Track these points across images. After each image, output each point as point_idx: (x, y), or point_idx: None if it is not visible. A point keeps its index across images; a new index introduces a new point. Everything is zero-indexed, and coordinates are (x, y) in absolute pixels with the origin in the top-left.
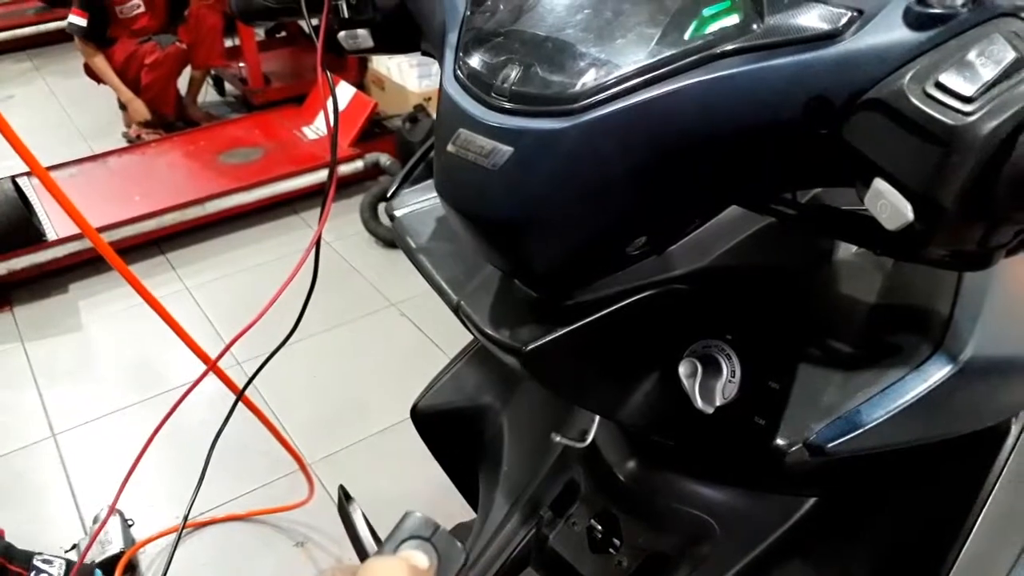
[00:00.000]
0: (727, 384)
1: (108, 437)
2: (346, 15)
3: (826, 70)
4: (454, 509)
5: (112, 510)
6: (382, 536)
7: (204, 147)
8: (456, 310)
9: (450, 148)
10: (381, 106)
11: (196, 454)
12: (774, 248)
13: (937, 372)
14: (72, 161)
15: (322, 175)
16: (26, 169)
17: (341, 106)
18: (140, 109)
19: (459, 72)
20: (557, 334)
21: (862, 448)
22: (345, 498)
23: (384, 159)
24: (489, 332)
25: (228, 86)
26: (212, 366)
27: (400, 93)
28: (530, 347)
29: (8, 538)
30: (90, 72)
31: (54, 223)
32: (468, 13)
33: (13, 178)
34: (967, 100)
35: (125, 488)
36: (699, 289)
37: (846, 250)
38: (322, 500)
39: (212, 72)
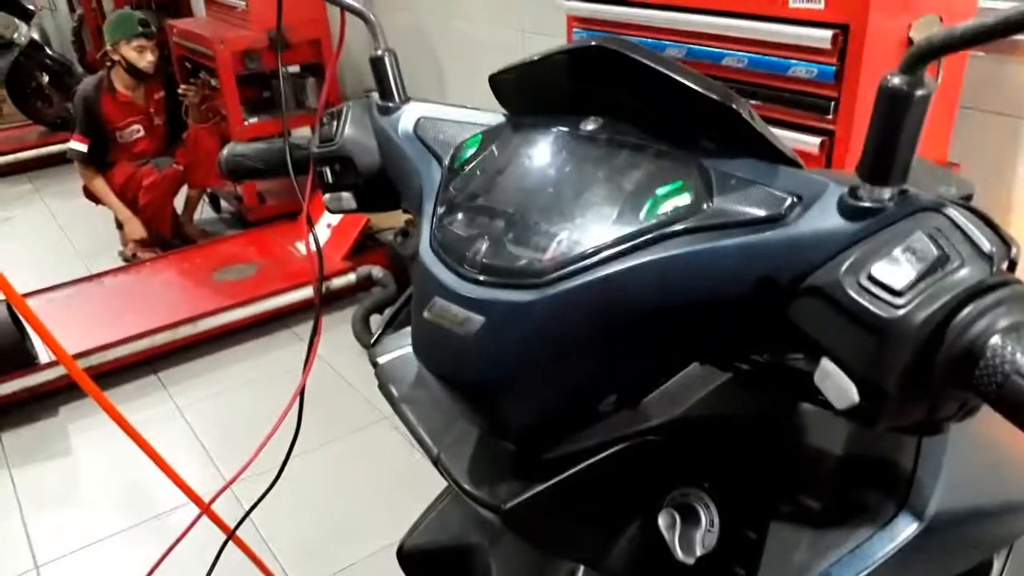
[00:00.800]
0: (706, 534)
1: (94, 569)
2: (330, 180)
3: (771, 253)
4: None
5: None
6: None
7: (199, 265)
8: (436, 463)
9: (426, 315)
10: (373, 220)
11: None
12: (742, 398)
13: (903, 530)
14: (68, 282)
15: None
16: (26, 290)
17: (334, 221)
18: (136, 228)
19: (434, 242)
20: (536, 490)
21: None
22: None
23: (376, 271)
24: (468, 488)
25: (223, 203)
26: (206, 509)
27: None
28: (508, 505)
29: None
30: (88, 194)
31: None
32: (442, 184)
33: (7, 302)
34: (897, 293)
35: None
36: (672, 439)
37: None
38: None
39: (208, 190)
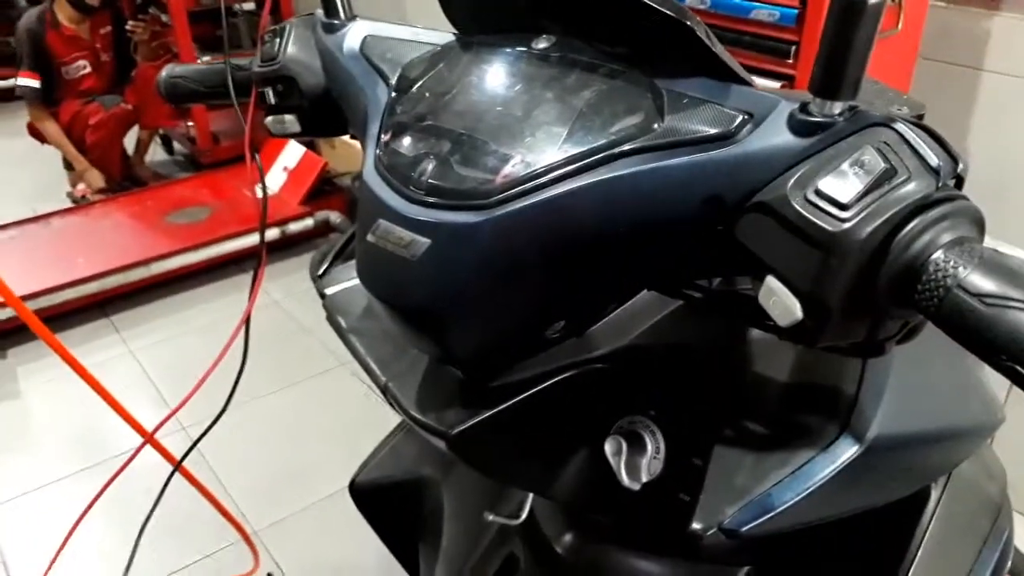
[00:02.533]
0: (652, 461)
1: (46, 510)
2: (273, 101)
3: (719, 171)
4: None
5: None
6: None
7: (151, 207)
8: (384, 391)
9: (370, 238)
10: (331, 164)
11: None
12: (691, 327)
13: (844, 452)
14: (13, 223)
15: (272, 233)
16: None
17: (291, 164)
18: (95, 177)
19: (379, 163)
20: (482, 416)
21: (775, 529)
22: None
23: (334, 217)
24: (416, 415)
25: (176, 145)
26: (149, 439)
27: (350, 152)
28: (456, 430)
29: None
30: (33, 131)
31: None
32: (388, 105)
33: None
34: (843, 207)
35: (63, 564)
36: (620, 367)
37: (760, 332)
38: (269, 570)
39: (160, 132)
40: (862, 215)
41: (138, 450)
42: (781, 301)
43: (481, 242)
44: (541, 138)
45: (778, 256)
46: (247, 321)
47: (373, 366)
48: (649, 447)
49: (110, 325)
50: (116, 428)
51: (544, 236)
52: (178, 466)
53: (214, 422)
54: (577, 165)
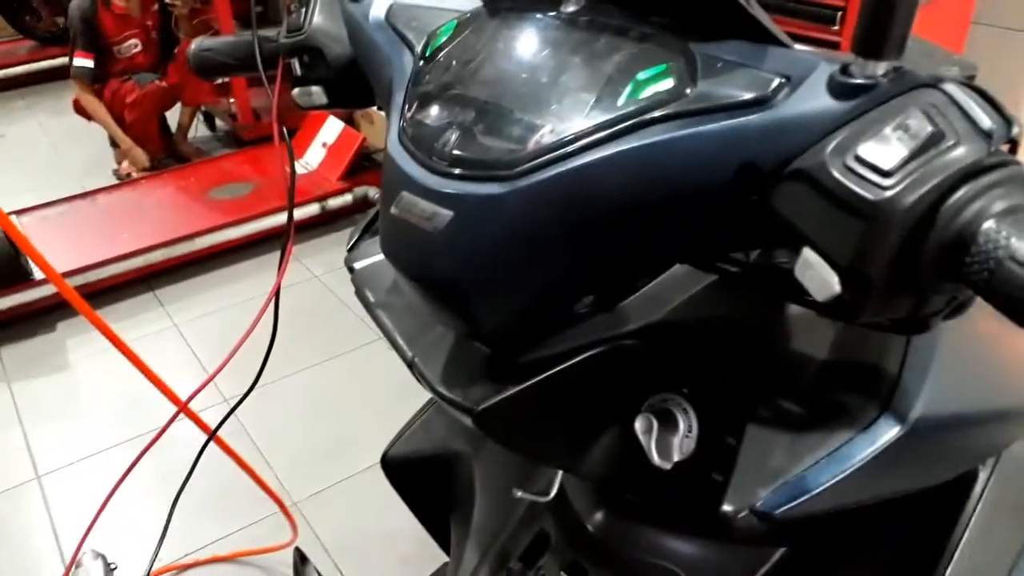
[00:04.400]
0: (684, 439)
1: (93, 478)
2: (299, 73)
3: (754, 137)
4: (438, 550)
5: (80, 548)
6: None
7: (194, 183)
8: (410, 366)
9: (393, 210)
10: (369, 140)
11: (186, 494)
12: (725, 303)
13: (884, 434)
14: (61, 199)
15: (312, 209)
16: (19, 207)
17: (330, 140)
18: (140, 157)
19: (403, 135)
20: (508, 393)
21: (810, 512)
22: (301, 561)
23: (372, 192)
24: (441, 391)
25: (218, 122)
26: (183, 407)
27: None
28: (482, 407)
29: None
30: (80, 109)
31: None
32: (413, 75)
33: None
34: (886, 174)
35: (104, 528)
36: (652, 344)
37: (798, 308)
38: (307, 540)
39: (202, 108)
40: (906, 182)
41: (172, 419)
42: (818, 274)
43: (505, 214)
44: (568, 105)
45: (815, 227)
46: (277, 293)
47: (400, 341)
48: (681, 425)
49: (155, 299)
50: (160, 400)
51: (571, 207)
52: (212, 435)
53: (248, 392)
54: (606, 133)
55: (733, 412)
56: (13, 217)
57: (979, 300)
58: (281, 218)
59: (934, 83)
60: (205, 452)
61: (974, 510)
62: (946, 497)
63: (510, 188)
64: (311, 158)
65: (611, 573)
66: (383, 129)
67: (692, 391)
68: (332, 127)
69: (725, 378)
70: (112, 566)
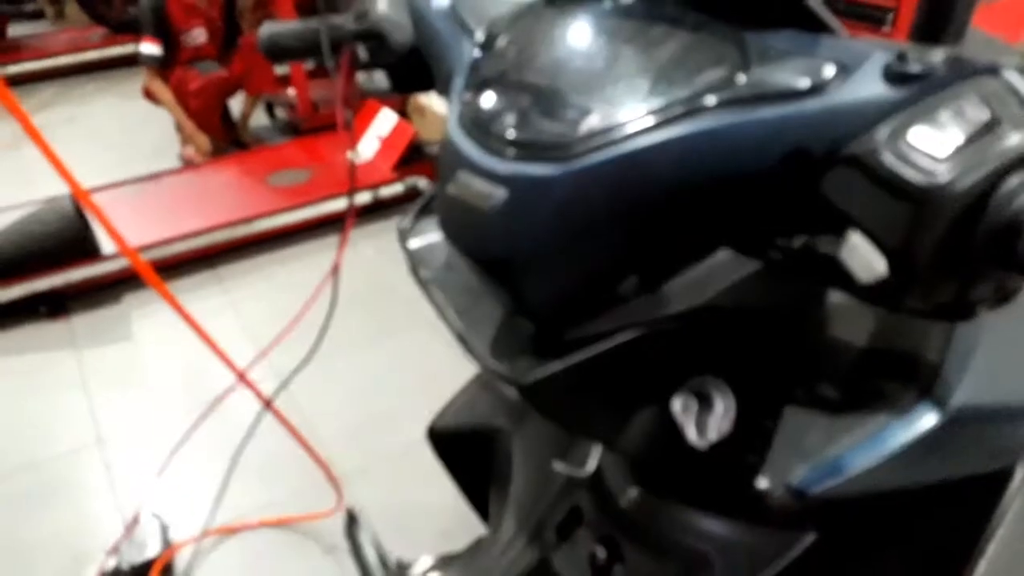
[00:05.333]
0: (721, 420)
1: (152, 443)
2: (364, 58)
3: (806, 124)
4: (476, 525)
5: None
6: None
7: (254, 169)
8: (460, 339)
9: (450, 189)
10: (421, 133)
11: (238, 461)
12: (769, 290)
13: (923, 421)
14: (130, 180)
15: (365, 197)
16: (89, 187)
17: (384, 132)
18: (203, 142)
19: (462, 117)
20: (555, 368)
21: (845, 494)
22: (351, 520)
23: (423, 183)
24: (490, 364)
25: (278, 111)
26: (242, 376)
27: (439, 121)
28: (529, 379)
29: (49, 540)
30: (149, 95)
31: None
32: (473, 61)
33: (72, 195)
34: (940, 160)
35: (163, 489)
36: (694, 327)
37: (841, 295)
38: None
39: (263, 98)
40: (959, 168)
41: (231, 387)
42: (864, 257)
43: (558, 194)
44: (622, 91)
45: (865, 211)
46: (336, 270)
47: (451, 315)
48: (719, 407)
49: (215, 277)
50: (218, 371)
51: (622, 190)
52: (268, 404)
53: (302, 364)
54: (658, 119)
55: (772, 397)
56: None
57: None
58: (336, 204)
59: (993, 70)
60: (259, 423)
61: (1009, 506)
62: (981, 492)
63: (563, 170)
64: (365, 149)
65: (643, 549)
66: (434, 123)
67: (732, 375)
68: (386, 120)
69: (765, 363)
70: (166, 527)
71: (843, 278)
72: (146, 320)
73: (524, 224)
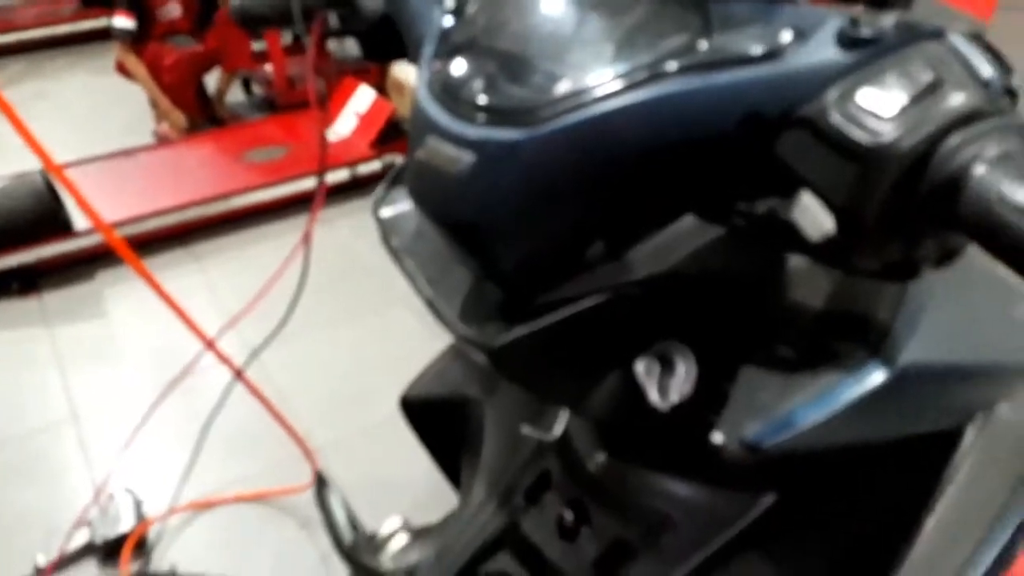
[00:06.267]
0: (683, 383)
1: (127, 420)
2: (335, 25)
3: (761, 88)
4: (450, 499)
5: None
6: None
7: (230, 145)
8: (430, 305)
9: (419, 154)
10: (400, 110)
11: (210, 435)
12: (731, 256)
13: (872, 378)
14: (103, 156)
15: (342, 175)
16: (66, 161)
17: (362, 109)
18: (178, 119)
19: (431, 83)
20: (521, 332)
21: (798, 448)
22: (321, 483)
23: (400, 160)
24: (459, 329)
25: (254, 87)
26: (211, 345)
27: None
28: (496, 344)
29: (24, 514)
30: (122, 70)
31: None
32: (442, 29)
33: (43, 171)
34: (884, 120)
35: (140, 467)
36: (658, 292)
37: (800, 261)
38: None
39: (240, 74)
40: (904, 128)
41: (199, 355)
42: (813, 216)
43: (523, 159)
44: (588, 57)
45: (815, 171)
46: (307, 238)
47: (421, 282)
48: (680, 369)
49: (191, 255)
50: (192, 346)
51: (586, 154)
52: (240, 374)
53: (273, 334)
54: (622, 84)
55: (732, 360)
56: None
57: (976, 255)
58: (313, 182)
59: (938, 34)
60: (231, 397)
61: (959, 465)
62: (932, 452)
63: (529, 134)
64: (344, 126)
65: (609, 511)
66: (412, 100)
67: (694, 338)
68: (364, 97)
69: (726, 327)
70: (140, 501)
71: (801, 242)
72: (120, 297)
73: (490, 188)
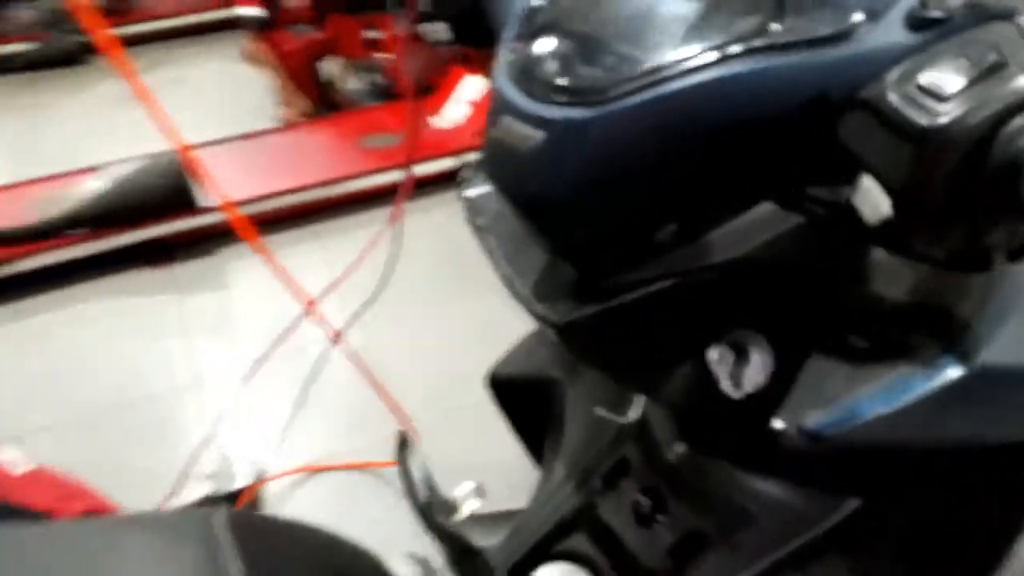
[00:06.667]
0: (757, 373)
1: (247, 384)
2: (426, 9)
3: (827, 70)
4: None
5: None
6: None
7: (347, 131)
8: (507, 282)
9: (493, 132)
10: None
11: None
12: (809, 245)
13: (944, 373)
14: (231, 138)
15: (448, 163)
16: (196, 142)
17: (476, 97)
18: (297, 103)
19: (509, 64)
20: (590, 311)
21: (862, 441)
22: (403, 443)
23: None
24: (532, 306)
25: (370, 75)
26: (310, 307)
27: None
28: (565, 320)
29: (152, 469)
30: (247, 57)
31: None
32: (525, 11)
33: (176, 152)
34: (944, 100)
35: (252, 432)
36: (732, 279)
37: (882, 253)
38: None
39: (355, 62)
40: (962, 109)
41: (296, 321)
42: (871, 198)
43: (593, 137)
44: (661, 38)
45: (874, 152)
46: (398, 218)
47: (499, 260)
48: (755, 360)
49: (312, 234)
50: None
51: (654, 134)
52: (338, 336)
53: (365, 305)
54: (691, 64)
55: (806, 350)
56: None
57: None
58: (427, 167)
59: (1009, 15)
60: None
61: None
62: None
63: (598, 112)
64: (456, 113)
65: (687, 500)
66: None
67: (768, 328)
68: (475, 86)
69: (802, 317)
70: (254, 461)
71: (863, 228)
72: (240, 273)
73: (560, 166)
